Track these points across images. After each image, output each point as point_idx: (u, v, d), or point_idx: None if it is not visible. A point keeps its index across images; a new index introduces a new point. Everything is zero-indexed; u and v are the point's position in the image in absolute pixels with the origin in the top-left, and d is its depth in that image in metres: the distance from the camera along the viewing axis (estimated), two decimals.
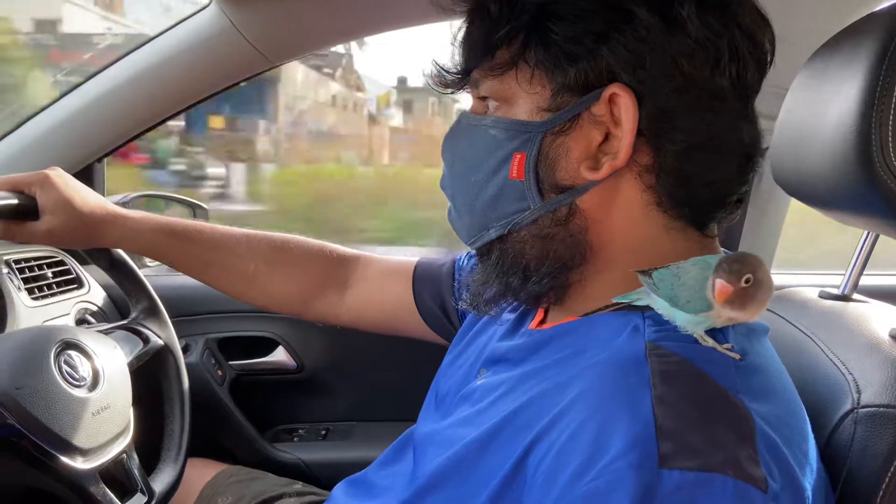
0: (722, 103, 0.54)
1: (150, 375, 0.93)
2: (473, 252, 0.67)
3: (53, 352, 0.74)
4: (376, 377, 1.38)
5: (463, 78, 0.61)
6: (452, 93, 0.63)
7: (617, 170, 0.55)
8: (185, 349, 1.28)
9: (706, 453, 0.42)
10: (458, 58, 0.61)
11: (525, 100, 0.57)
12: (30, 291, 1.04)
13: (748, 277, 0.48)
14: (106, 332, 0.88)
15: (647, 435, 0.42)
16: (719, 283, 0.48)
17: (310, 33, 1.10)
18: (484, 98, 0.60)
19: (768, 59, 0.56)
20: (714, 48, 0.53)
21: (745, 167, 0.57)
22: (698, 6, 0.52)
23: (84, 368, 0.77)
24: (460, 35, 0.61)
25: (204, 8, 1.07)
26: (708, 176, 0.55)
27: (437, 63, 0.62)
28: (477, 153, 0.60)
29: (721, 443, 0.43)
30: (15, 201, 0.81)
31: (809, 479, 0.47)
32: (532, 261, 0.59)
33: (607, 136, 0.55)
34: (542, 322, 0.66)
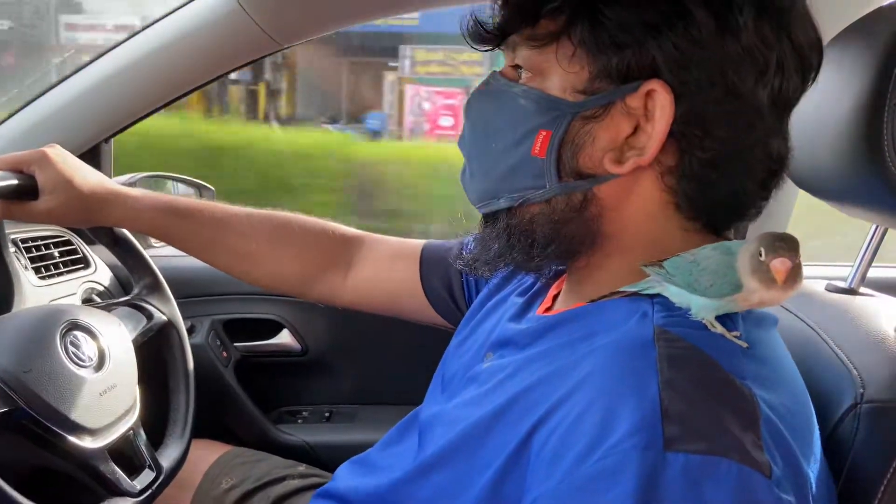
0: (758, 117, 0.53)
1: (154, 352, 0.93)
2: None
3: (59, 333, 0.75)
4: (381, 361, 1.39)
5: (500, 38, 0.59)
6: (486, 50, 0.61)
7: (640, 167, 0.54)
8: (191, 330, 1.29)
9: (711, 437, 0.42)
10: (499, 16, 0.58)
11: (561, 77, 0.55)
12: (37, 270, 1.04)
13: (799, 255, 0.48)
14: (109, 309, 0.88)
15: (654, 417, 0.43)
16: (780, 261, 0.47)
17: (318, 16, 1.09)
18: (517, 66, 0.58)
19: (813, 76, 0.55)
20: (763, 60, 0.51)
21: (769, 182, 0.57)
22: (756, 15, 0.51)
23: (90, 348, 0.77)
24: None
25: None
26: (731, 187, 0.55)
27: (476, 16, 0.59)
28: (502, 120, 0.59)
29: (726, 427, 0.43)
30: (14, 181, 0.80)
31: (812, 468, 0.47)
32: (540, 239, 0.58)
33: (636, 130, 0.54)
34: (549, 308, 0.66)
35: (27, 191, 0.81)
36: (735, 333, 0.51)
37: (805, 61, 0.54)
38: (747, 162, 0.54)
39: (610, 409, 0.44)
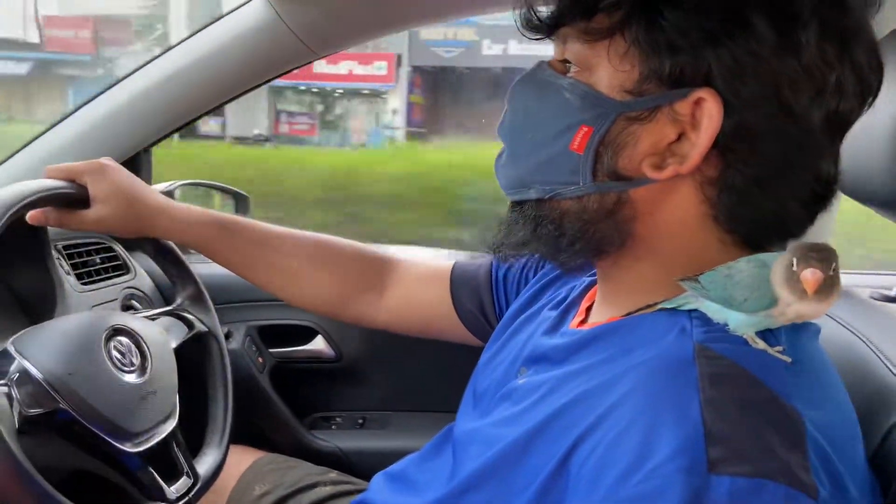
0: (810, 137, 0.51)
1: (194, 361, 0.94)
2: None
3: (104, 337, 0.76)
4: (414, 367, 1.39)
5: (552, 28, 0.58)
6: (536, 39, 0.60)
7: (679, 174, 0.53)
8: (227, 336, 1.30)
9: (757, 459, 0.41)
10: (554, 6, 0.57)
11: (609, 74, 0.54)
12: (79, 277, 1.06)
13: (835, 266, 0.46)
14: (153, 318, 0.90)
15: (696, 439, 0.42)
16: (811, 271, 0.45)
17: (355, 25, 1.10)
18: (566, 60, 0.57)
19: (871, 100, 0.53)
20: (821, 79, 0.50)
21: (815, 205, 0.55)
22: (821, 34, 0.49)
23: (133, 354, 0.79)
24: None
25: (250, 0, 1.08)
26: (773, 206, 0.53)
27: (530, 3, 0.58)
28: (543, 111, 0.58)
29: (772, 448, 0.42)
30: (67, 190, 0.83)
31: (858, 487, 0.46)
32: (568, 234, 0.57)
33: (679, 137, 0.52)
34: (583, 321, 0.65)
35: (79, 200, 0.84)
36: (778, 348, 0.49)
37: (865, 84, 0.52)
38: (793, 182, 0.53)
39: (651, 429, 0.44)
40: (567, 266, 0.61)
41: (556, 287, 0.76)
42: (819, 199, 0.55)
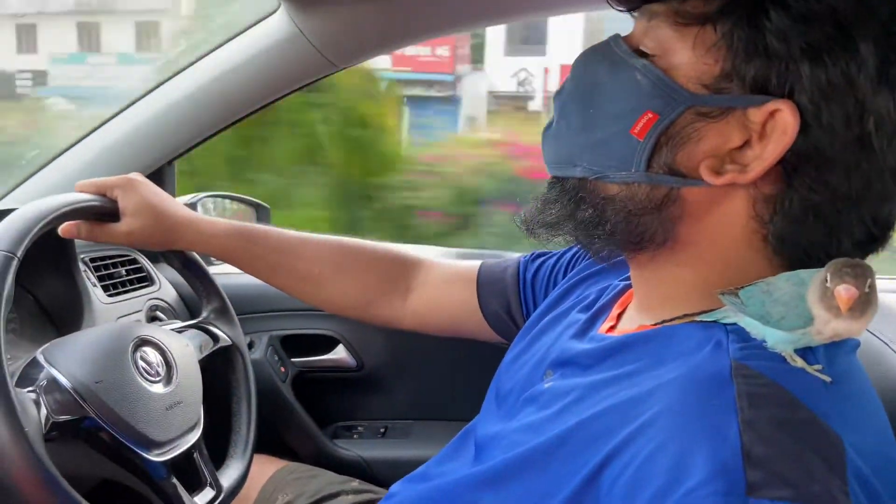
0: (880, 177, 0.49)
1: (218, 373, 0.95)
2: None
3: (130, 348, 0.77)
4: (436, 376, 1.39)
5: (641, 3, 0.55)
6: (622, 10, 0.57)
7: (737, 183, 0.51)
8: (250, 346, 1.31)
9: (797, 483, 0.40)
10: None
11: (690, 64, 0.51)
12: (105, 288, 1.08)
13: (870, 283, 0.45)
14: (179, 331, 0.91)
15: (735, 462, 0.41)
16: (844, 287, 0.44)
17: (375, 38, 1.11)
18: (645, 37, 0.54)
19: None
20: None
21: (867, 246, 0.53)
22: None
23: (159, 365, 0.80)
24: None
25: (271, 14, 1.09)
26: (824, 238, 0.51)
27: None
28: (611, 88, 0.54)
29: (812, 473, 0.41)
30: (98, 203, 0.85)
31: None
32: (610, 222, 0.55)
33: (744, 145, 0.50)
34: (613, 327, 0.64)
35: (109, 213, 0.86)
36: (817, 367, 0.47)
37: None
38: (852, 220, 0.51)
39: (686, 449, 0.42)
40: (600, 254, 0.59)
41: (586, 287, 0.75)
42: (873, 241, 0.52)
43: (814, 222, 0.50)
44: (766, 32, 0.48)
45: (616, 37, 0.56)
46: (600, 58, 0.56)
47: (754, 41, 0.48)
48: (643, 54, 0.53)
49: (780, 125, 0.48)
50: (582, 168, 0.56)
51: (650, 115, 0.51)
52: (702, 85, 0.50)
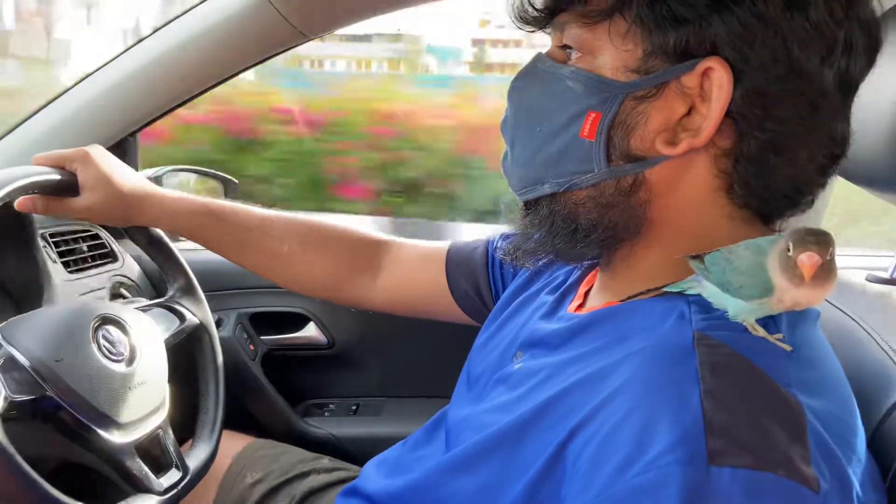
0: (823, 97, 0.51)
1: (185, 353, 0.93)
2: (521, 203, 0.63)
3: (92, 326, 0.75)
4: (407, 354, 1.38)
5: (548, 17, 0.57)
6: (531, 31, 0.59)
7: (694, 148, 0.52)
8: (218, 324, 1.29)
9: (758, 451, 0.41)
10: None
11: (612, 56, 0.53)
12: (66, 265, 1.05)
13: (832, 251, 0.45)
14: (144, 310, 0.89)
15: (696, 430, 0.41)
16: (808, 255, 0.44)
17: (344, 6, 1.08)
18: (566, 46, 0.56)
19: (876, 57, 0.53)
20: (831, 37, 0.49)
21: (829, 167, 0.54)
22: None
23: (122, 344, 0.77)
24: None
25: None
26: (789, 171, 0.53)
27: None
28: (548, 103, 0.57)
29: (773, 440, 0.41)
30: (56, 177, 0.82)
31: (858, 476, 0.45)
32: (584, 225, 0.56)
33: (690, 111, 0.51)
34: (580, 306, 0.64)
35: (68, 187, 0.83)
36: (778, 336, 0.48)
37: (872, 40, 0.52)
38: (809, 145, 0.52)
39: (649, 419, 0.43)
40: (583, 260, 0.61)
41: (554, 269, 0.75)
42: (834, 160, 0.54)
43: (775, 159, 0.52)
44: (669, 2, 0.50)
45: (539, 54, 0.59)
46: (531, 79, 0.59)
47: (661, 14, 0.50)
48: (568, 62, 0.56)
49: (715, 82, 0.50)
50: (550, 184, 0.57)
51: (593, 115, 0.53)
52: (630, 71, 0.52)
